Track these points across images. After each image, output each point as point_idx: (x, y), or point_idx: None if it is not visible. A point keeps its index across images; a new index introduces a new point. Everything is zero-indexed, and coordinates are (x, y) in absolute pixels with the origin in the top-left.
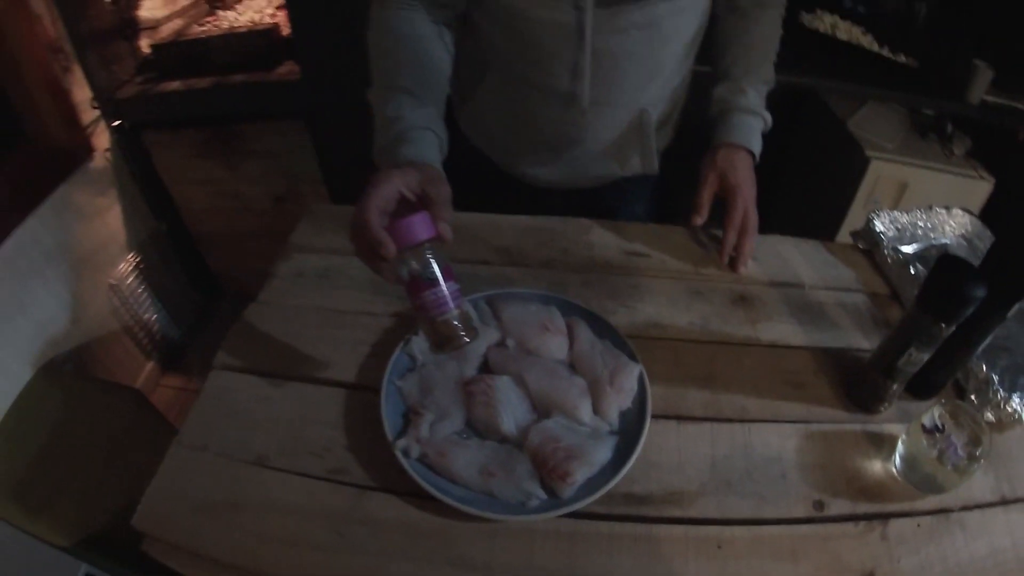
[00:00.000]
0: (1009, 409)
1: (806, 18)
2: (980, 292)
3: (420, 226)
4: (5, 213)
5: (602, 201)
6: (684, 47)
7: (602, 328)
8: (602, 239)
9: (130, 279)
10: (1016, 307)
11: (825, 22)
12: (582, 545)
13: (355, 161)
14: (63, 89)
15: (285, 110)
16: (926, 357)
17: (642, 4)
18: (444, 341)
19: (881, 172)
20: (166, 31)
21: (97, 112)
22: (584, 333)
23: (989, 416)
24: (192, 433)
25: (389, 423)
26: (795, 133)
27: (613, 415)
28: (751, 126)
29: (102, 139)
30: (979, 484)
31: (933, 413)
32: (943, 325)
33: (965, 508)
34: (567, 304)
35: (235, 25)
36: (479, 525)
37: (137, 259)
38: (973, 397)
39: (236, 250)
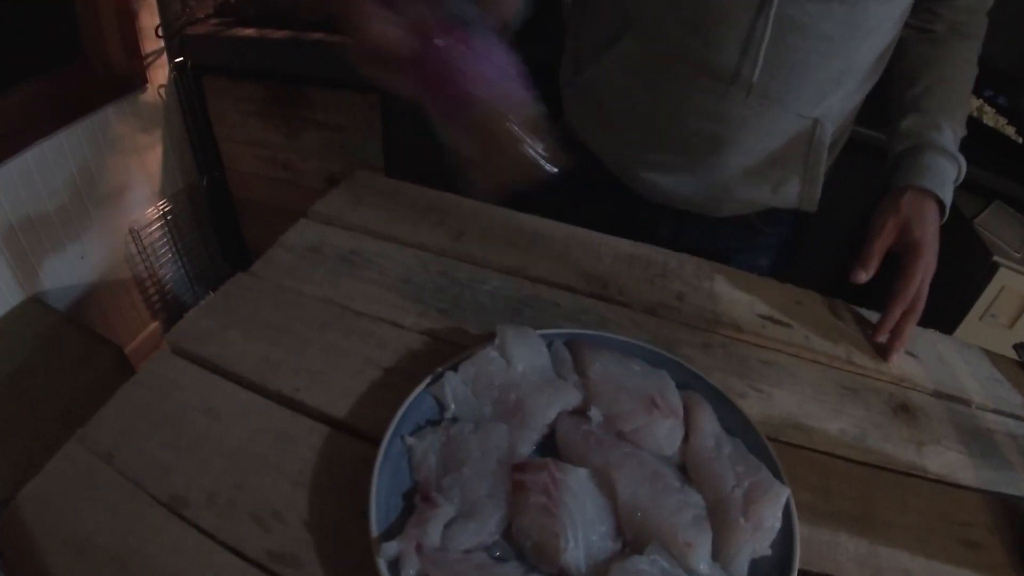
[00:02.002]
0: None
1: None
2: None
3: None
4: (39, 121)
5: (725, 239)
6: (883, 50)
7: (734, 420)
8: (730, 292)
9: (154, 229)
10: None
11: (972, 105)
12: None
13: (422, 151)
14: (131, 11)
15: (359, 80)
16: None
17: None
18: (511, 165)
19: (1007, 282)
20: None
21: (161, 43)
22: (708, 423)
23: None
24: (100, 431)
25: (379, 506)
26: None
27: (741, 566)
28: (946, 171)
29: (159, 73)
30: None
31: None
32: None
33: None
34: (685, 372)
35: None
36: None
37: (167, 209)
38: None
39: (275, 225)
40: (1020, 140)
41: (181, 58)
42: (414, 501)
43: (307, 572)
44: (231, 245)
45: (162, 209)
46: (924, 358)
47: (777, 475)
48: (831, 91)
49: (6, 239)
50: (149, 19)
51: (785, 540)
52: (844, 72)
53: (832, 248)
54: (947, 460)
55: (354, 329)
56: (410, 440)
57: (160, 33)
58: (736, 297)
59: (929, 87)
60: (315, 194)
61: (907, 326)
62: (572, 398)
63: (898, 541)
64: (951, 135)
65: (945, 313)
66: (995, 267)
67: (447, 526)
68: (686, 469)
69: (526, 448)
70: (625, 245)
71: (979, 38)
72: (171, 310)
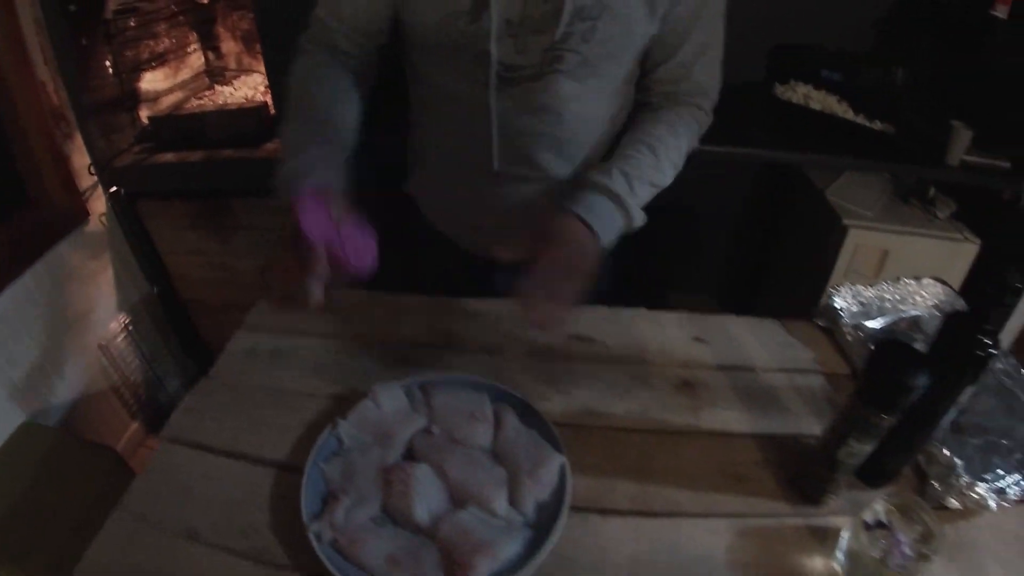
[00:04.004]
0: (975, 495)
1: (779, 90)
2: (922, 380)
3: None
4: (4, 269)
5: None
6: (601, 127)
7: (530, 417)
8: None
9: (119, 340)
10: (992, 377)
11: (798, 92)
12: None
13: None
14: (64, 155)
15: (271, 187)
16: (869, 449)
17: (545, 83)
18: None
19: (860, 240)
20: (166, 103)
21: (95, 178)
22: (510, 421)
23: (953, 502)
24: (134, 502)
25: (307, 506)
26: (779, 207)
27: (529, 507)
28: (604, 207)
29: (98, 204)
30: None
31: (876, 508)
32: (884, 416)
33: None
34: (498, 391)
35: (228, 101)
36: None
37: (127, 321)
38: (935, 483)
39: (224, 319)
40: (852, 116)
41: (115, 188)
42: (327, 500)
43: (275, 556)
44: (188, 341)
45: (123, 322)
46: (712, 340)
47: (558, 449)
48: (561, 163)
49: None
50: (81, 159)
51: (559, 489)
52: (568, 151)
53: (713, 258)
54: (722, 417)
55: (285, 404)
56: (323, 465)
57: (92, 170)
58: None
59: (623, 148)
60: (253, 288)
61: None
62: (420, 422)
63: (669, 482)
64: (624, 183)
65: (812, 276)
66: (846, 229)
67: (347, 511)
68: (497, 455)
69: (393, 458)
70: (471, 303)
71: (699, 107)
72: (147, 409)
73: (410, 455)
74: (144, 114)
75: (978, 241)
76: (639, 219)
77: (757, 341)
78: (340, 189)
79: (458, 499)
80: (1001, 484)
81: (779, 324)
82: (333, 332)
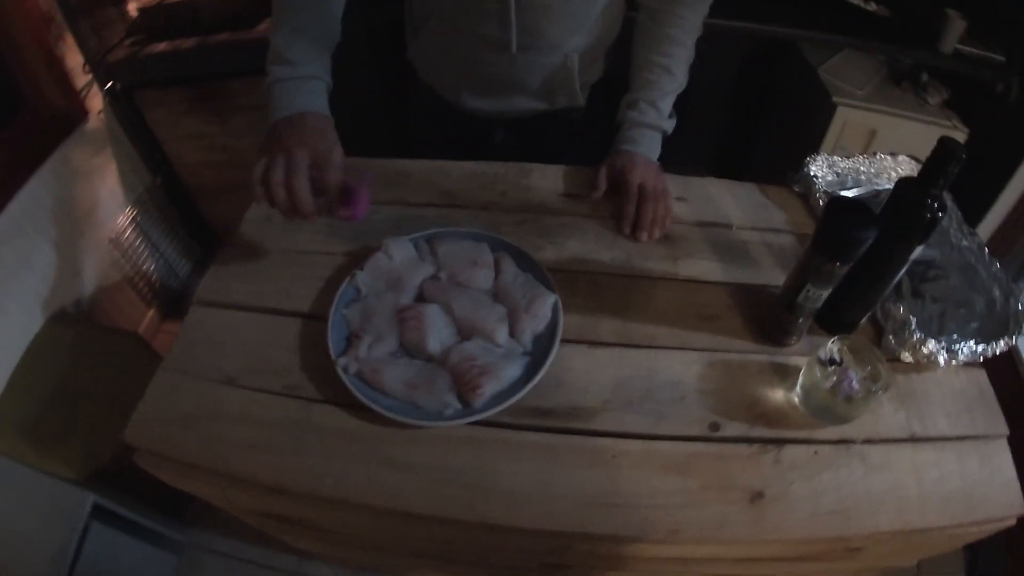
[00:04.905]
0: (925, 351)
1: None
2: (870, 234)
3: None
4: (9, 176)
5: (543, 132)
6: (606, 2)
7: (526, 263)
8: (540, 183)
9: (128, 232)
10: (959, 255)
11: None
12: (490, 450)
13: (338, 111)
14: (57, 57)
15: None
16: (825, 294)
17: None
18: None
19: (848, 118)
20: None
21: (90, 76)
22: (509, 267)
23: (907, 356)
24: (175, 360)
25: (334, 345)
26: (772, 82)
27: (526, 338)
28: (651, 138)
29: (96, 101)
30: (888, 420)
31: (831, 347)
32: (837, 264)
33: (869, 441)
34: (497, 241)
35: None
36: (404, 432)
37: (134, 213)
38: (891, 337)
39: (229, 200)
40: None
41: (110, 83)
42: (350, 339)
43: (306, 391)
44: (196, 226)
45: (130, 215)
46: (691, 199)
47: (550, 289)
48: (572, 36)
49: (17, 279)
50: (74, 58)
51: (553, 323)
52: (578, 23)
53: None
54: (698, 267)
55: (303, 262)
56: (344, 311)
57: (87, 69)
58: (545, 185)
59: (639, 66)
60: (253, 165)
61: (644, 211)
62: (428, 270)
63: (648, 319)
64: (654, 111)
65: (799, 151)
66: (834, 107)
67: (368, 347)
68: (497, 295)
69: (406, 300)
70: (469, 166)
71: (694, 6)
72: (161, 296)
73: (420, 298)
74: (133, 7)
75: (966, 130)
76: (671, 126)
77: (734, 201)
78: (328, 113)
79: (464, 332)
80: (955, 347)
81: (756, 187)
82: None
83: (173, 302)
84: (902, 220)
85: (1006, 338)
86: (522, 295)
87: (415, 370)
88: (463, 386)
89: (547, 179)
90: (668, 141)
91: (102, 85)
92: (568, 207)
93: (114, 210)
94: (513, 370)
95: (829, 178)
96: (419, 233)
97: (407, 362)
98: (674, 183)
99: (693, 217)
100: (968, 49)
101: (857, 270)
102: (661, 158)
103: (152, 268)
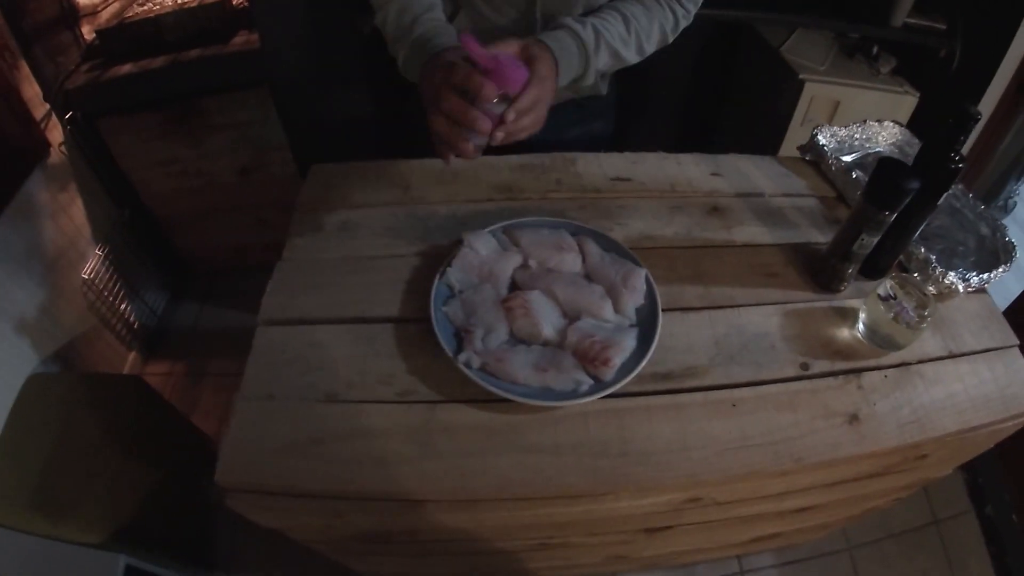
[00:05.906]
0: (947, 282)
1: None
2: (914, 184)
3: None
4: None
5: (566, 120)
6: None
7: (606, 243)
8: (587, 169)
9: (101, 272)
10: (945, 201)
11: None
12: (627, 418)
13: (320, 125)
14: (12, 86)
15: (247, 80)
16: (875, 241)
17: None
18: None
19: (814, 92)
20: (107, 15)
21: (48, 106)
22: (593, 248)
23: (931, 289)
24: (254, 386)
25: (446, 342)
26: (735, 63)
27: (631, 311)
28: (571, 51)
29: (56, 133)
30: (929, 343)
31: (886, 284)
32: (887, 213)
33: (921, 361)
34: (573, 226)
35: (184, 1)
36: (538, 416)
37: (105, 250)
38: (916, 275)
39: (202, 228)
40: None
41: (70, 112)
42: (459, 336)
43: (422, 394)
44: (167, 259)
45: (102, 252)
46: (726, 174)
47: (638, 265)
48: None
49: None
50: (31, 89)
51: (651, 294)
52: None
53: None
54: (749, 232)
55: (372, 267)
56: (444, 309)
57: (44, 98)
58: (592, 171)
59: (601, 10)
60: (231, 189)
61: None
62: (517, 259)
63: (723, 282)
64: (592, 34)
65: (772, 126)
66: (802, 84)
67: (483, 340)
68: (588, 276)
69: (503, 291)
70: (515, 159)
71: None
72: (140, 337)
73: (513, 287)
74: (88, 30)
75: (917, 94)
76: (590, 78)
77: (760, 173)
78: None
79: (571, 314)
80: (967, 276)
81: (775, 159)
82: (389, 200)
83: (153, 342)
84: (936, 171)
85: (1004, 266)
86: (615, 272)
87: (536, 355)
88: (591, 362)
89: (592, 165)
90: (633, 119)
91: (61, 114)
92: (620, 189)
93: (85, 249)
94: (630, 341)
95: (832, 145)
96: (495, 225)
97: (525, 349)
98: (705, 161)
99: (732, 190)
100: (914, 21)
101: (900, 216)
102: (625, 133)
103: (128, 308)
